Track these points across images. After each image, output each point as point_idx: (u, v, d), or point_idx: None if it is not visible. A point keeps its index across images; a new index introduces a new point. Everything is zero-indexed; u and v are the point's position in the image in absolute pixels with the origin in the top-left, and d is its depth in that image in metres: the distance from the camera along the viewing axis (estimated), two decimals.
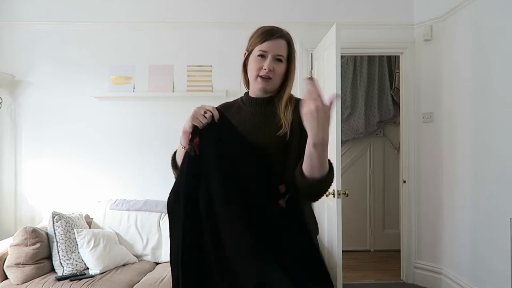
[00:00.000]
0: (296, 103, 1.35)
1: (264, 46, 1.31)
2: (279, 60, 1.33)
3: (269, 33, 1.33)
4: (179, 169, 1.30)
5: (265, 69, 1.31)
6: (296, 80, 1.44)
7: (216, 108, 1.32)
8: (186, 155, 1.26)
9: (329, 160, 1.20)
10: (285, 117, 1.30)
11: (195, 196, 1.23)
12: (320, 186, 1.19)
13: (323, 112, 1.06)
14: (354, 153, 4.61)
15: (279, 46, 1.32)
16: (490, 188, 2.77)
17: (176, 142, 1.36)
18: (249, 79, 1.39)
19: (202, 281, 1.20)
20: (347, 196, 2.61)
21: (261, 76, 1.33)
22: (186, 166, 1.25)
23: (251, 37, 1.37)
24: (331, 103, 1.08)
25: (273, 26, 1.36)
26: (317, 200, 1.26)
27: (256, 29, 1.38)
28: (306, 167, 1.16)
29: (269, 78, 1.32)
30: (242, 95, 1.47)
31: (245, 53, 1.39)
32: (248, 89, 1.45)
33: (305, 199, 1.28)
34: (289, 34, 1.38)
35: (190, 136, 1.24)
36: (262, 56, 1.32)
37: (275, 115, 1.33)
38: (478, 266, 2.90)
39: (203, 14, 3.45)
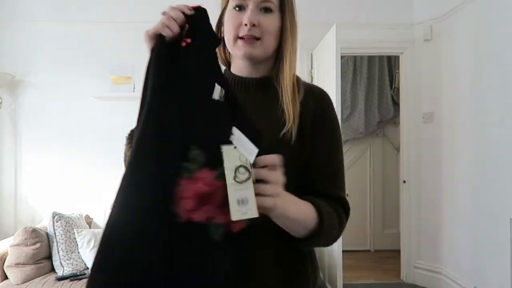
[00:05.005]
0: (308, 91, 0.92)
1: None
2: (268, 10, 0.88)
3: None
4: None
5: (245, 24, 0.87)
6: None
7: None
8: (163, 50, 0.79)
9: (340, 210, 0.93)
10: (290, 109, 0.87)
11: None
12: (316, 242, 0.86)
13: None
14: (354, 153, 4.61)
15: None
16: (490, 188, 2.77)
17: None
18: (228, 46, 0.93)
19: None
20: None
21: (241, 38, 0.88)
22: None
23: None
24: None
25: None
26: (330, 244, 0.96)
27: None
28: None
29: (254, 38, 0.87)
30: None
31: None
32: (227, 65, 0.99)
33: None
34: None
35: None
36: (240, 7, 0.89)
37: (275, 105, 0.89)
38: (478, 266, 2.90)
39: None
